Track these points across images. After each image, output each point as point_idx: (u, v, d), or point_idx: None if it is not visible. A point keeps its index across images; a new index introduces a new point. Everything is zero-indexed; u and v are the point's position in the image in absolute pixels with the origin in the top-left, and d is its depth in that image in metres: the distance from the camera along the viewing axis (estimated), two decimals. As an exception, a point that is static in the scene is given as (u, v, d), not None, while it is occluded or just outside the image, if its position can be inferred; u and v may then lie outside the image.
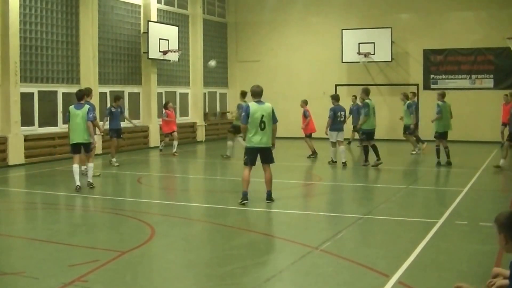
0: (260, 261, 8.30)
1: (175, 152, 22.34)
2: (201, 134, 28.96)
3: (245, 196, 11.96)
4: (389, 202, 12.67)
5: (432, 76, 27.96)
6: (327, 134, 18.75)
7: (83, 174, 15.05)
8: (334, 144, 18.72)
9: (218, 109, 31.34)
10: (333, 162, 18.75)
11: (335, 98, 19.19)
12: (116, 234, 10.03)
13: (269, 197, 12.19)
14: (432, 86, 27.33)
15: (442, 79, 27.79)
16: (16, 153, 19.18)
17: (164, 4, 27.12)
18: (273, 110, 11.92)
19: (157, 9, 26.20)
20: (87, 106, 14.14)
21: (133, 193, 14.91)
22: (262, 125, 11.69)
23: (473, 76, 27.35)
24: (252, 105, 11.89)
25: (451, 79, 27.66)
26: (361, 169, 17.69)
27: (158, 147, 24.26)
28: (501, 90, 25.10)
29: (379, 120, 24.72)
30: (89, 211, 12.52)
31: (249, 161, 11.95)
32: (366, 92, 18.50)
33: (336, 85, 28.05)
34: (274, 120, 12.00)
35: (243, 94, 19.39)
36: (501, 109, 22.32)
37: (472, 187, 14.50)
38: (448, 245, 9.07)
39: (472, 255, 8.56)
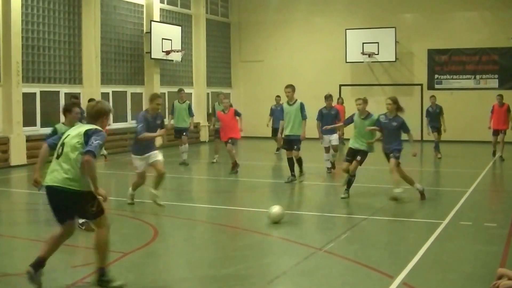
0: (264, 262, 8.29)
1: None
2: (204, 135, 28.93)
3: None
4: (393, 203, 12.62)
5: (436, 76, 27.89)
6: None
7: None
8: (327, 149, 16.97)
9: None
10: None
11: (325, 98, 17.38)
12: (119, 235, 9.97)
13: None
14: (437, 86, 27.27)
15: (446, 79, 27.73)
16: (18, 154, 19.15)
17: (167, 4, 27.09)
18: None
19: (160, 9, 26.17)
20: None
21: (136, 194, 14.85)
22: None
23: (478, 76, 27.29)
24: None
25: (456, 79, 27.60)
26: (364, 170, 17.41)
27: (162, 147, 24.17)
28: (506, 90, 24.99)
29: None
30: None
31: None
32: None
33: (340, 85, 28.01)
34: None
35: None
36: (490, 113, 20.27)
37: (476, 187, 14.45)
38: (453, 246, 9.06)
39: (476, 256, 8.52)
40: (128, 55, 24.69)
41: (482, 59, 27.15)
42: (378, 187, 15.34)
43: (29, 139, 19.53)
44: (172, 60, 26.21)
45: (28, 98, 19.83)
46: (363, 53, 27.94)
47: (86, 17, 21.95)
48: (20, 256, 8.81)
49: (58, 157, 6.87)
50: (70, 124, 9.39)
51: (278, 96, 22.49)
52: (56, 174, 6.76)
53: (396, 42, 27.61)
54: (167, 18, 27.00)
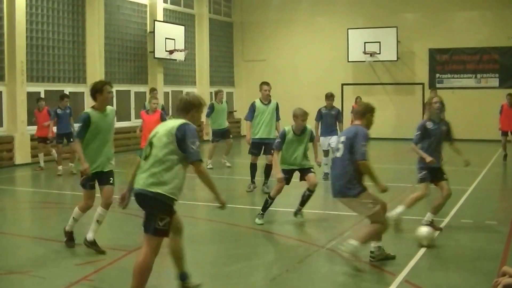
0: (266, 260, 8.33)
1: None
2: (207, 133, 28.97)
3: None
4: (395, 201, 12.63)
5: (437, 75, 27.95)
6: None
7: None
8: (326, 153, 15.71)
9: (224, 108, 31.36)
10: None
11: (326, 97, 16.39)
12: (122, 233, 10.06)
13: None
14: (438, 85, 27.27)
15: (447, 78, 27.79)
16: (22, 153, 19.26)
17: (170, 3, 27.16)
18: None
19: (163, 8, 26.24)
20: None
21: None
22: None
23: (479, 75, 27.34)
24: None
25: (457, 78, 27.66)
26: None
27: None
28: (506, 89, 25.04)
29: (385, 119, 24.84)
30: (95, 210, 12.53)
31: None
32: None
33: (342, 85, 28.06)
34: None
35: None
36: (499, 114, 19.80)
37: (477, 186, 14.49)
38: (454, 244, 9.09)
39: (478, 253, 8.55)
40: (131, 55, 24.77)
41: (482, 58, 27.20)
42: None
43: (33, 138, 19.62)
44: (176, 60, 26.28)
45: (33, 97, 19.89)
46: (365, 53, 28.00)
47: (90, 17, 22.04)
48: (24, 254, 8.88)
49: (145, 158, 6.25)
50: (102, 107, 8.41)
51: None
52: (143, 177, 6.22)
53: (397, 41, 27.66)
54: (171, 17, 27.07)
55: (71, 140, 16.81)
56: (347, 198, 7.87)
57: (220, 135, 18.60)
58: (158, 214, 6.07)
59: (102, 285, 7.14)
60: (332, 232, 9.93)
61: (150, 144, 6.19)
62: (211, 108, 18.40)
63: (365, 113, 8.11)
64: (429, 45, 27.95)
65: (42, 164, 17.92)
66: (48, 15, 20.62)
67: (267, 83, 14.10)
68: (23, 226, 11.09)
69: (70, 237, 8.86)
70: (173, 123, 6.20)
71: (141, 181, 6.13)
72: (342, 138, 7.98)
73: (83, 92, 21.74)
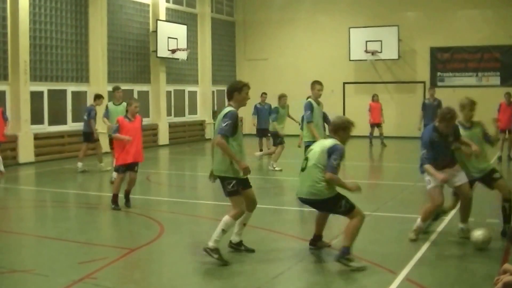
0: (268, 258, 8.33)
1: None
2: (210, 132, 29.02)
3: None
4: (396, 199, 12.70)
5: (438, 73, 27.98)
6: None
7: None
8: None
9: (226, 107, 31.36)
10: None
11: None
12: (125, 232, 10.11)
13: None
14: (439, 83, 27.30)
15: (448, 76, 27.83)
16: (26, 152, 19.32)
17: (173, 3, 27.21)
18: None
19: (166, 8, 26.29)
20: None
21: (142, 190, 14.96)
22: None
23: (480, 74, 27.36)
24: None
25: (458, 76, 27.69)
26: (368, 167, 17.49)
27: (167, 145, 24.28)
28: (507, 88, 25.04)
29: (386, 117, 24.83)
30: (98, 209, 12.62)
31: None
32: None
33: (344, 83, 28.09)
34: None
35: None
36: (497, 112, 19.06)
37: (478, 184, 14.47)
38: (455, 242, 9.08)
39: (479, 251, 8.53)
40: (134, 54, 24.82)
41: (484, 57, 27.22)
42: (380, 184, 15.46)
43: (36, 137, 19.71)
44: (178, 59, 26.33)
45: (36, 97, 20.00)
46: (366, 51, 28.05)
47: (93, 17, 22.10)
48: (28, 252, 8.92)
49: (303, 170, 7.91)
50: (238, 107, 8.38)
51: (264, 93, 21.18)
52: (302, 187, 7.88)
53: (399, 40, 27.69)
54: (173, 17, 27.12)
55: (91, 139, 17.24)
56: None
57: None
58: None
59: (105, 283, 7.16)
60: (333, 230, 9.95)
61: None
62: (276, 111, 18.09)
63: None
64: (431, 44, 27.97)
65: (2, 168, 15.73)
66: (51, 14, 20.68)
67: (319, 83, 13.13)
68: (26, 224, 11.12)
69: (216, 251, 7.93)
70: (326, 143, 7.85)
71: None
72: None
73: (86, 92, 21.82)
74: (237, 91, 8.34)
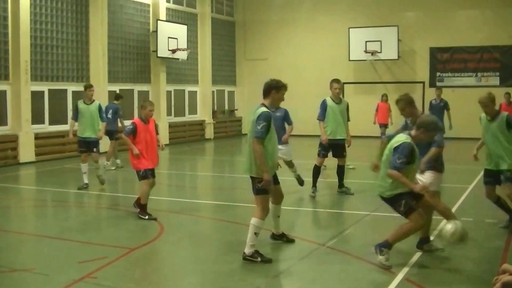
0: (268, 257, 8.36)
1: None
2: (209, 132, 29.08)
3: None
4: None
5: (438, 74, 28.04)
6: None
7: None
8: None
9: (226, 107, 31.41)
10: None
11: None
12: (125, 231, 10.12)
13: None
14: (438, 83, 27.32)
15: (448, 77, 27.89)
16: (26, 151, 19.36)
17: (173, 3, 27.25)
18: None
19: (166, 8, 26.33)
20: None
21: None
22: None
23: (479, 74, 27.43)
24: None
25: (457, 77, 27.75)
26: (364, 167, 17.27)
27: (167, 144, 24.27)
28: (507, 88, 25.10)
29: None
30: (99, 208, 12.65)
31: None
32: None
33: (343, 83, 28.06)
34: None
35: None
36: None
37: (477, 184, 14.49)
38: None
39: (478, 252, 8.60)
40: (134, 54, 24.86)
41: (483, 57, 27.29)
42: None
43: (37, 136, 19.76)
44: (178, 59, 26.37)
45: (37, 96, 20.04)
46: (366, 51, 28.12)
47: (94, 17, 22.14)
48: (28, 252, 8.94)
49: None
50: (273, 106, 8.40)
51: None
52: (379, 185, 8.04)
53: (398, 40, 27.75)
54: (173, 17, 27.16)
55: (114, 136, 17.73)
56: None
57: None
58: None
59: (106, 282, 7.18)
60: (332, 230, 9.99)
61: None
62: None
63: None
64: (430, 44, 28.03)
65: None
66: (52, 14, 20.71)
67: (337, 81, 12.98)
68: (27, 224, 11.16)
69: (256, 255, 8.02)
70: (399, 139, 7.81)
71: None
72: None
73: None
74: (275, 89, 8.20)
